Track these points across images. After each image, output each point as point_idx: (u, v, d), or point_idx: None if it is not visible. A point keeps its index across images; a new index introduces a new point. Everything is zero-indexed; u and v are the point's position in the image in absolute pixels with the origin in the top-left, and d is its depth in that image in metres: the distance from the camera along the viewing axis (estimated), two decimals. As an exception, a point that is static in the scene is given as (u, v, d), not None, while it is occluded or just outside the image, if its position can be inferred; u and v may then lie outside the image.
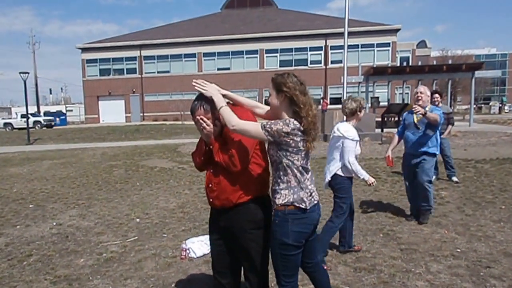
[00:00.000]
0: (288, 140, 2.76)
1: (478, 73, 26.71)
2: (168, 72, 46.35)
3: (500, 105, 51.74)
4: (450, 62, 37.08)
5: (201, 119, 2.92)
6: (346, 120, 4.94)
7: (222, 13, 54.40)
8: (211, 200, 3.10)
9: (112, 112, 46.53)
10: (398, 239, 5.57)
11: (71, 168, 13.32)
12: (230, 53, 45.69)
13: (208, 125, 2.91)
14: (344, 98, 18.30)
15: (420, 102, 6.14)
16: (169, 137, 25.68)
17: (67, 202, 8.48)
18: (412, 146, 6.31)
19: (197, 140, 3.24)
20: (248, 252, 3.04)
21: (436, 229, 5.95)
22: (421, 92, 6.21)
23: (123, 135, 27.37)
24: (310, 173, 2.95)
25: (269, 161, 3.01)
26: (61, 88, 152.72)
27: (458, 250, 5.11)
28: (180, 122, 32.98)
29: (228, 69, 45.61)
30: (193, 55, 46.03)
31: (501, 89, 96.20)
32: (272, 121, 2.77)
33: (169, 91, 45.28)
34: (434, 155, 6.25)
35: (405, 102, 30.16)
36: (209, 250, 3.42)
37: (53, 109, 53.60)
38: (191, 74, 44.91)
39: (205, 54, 45.87)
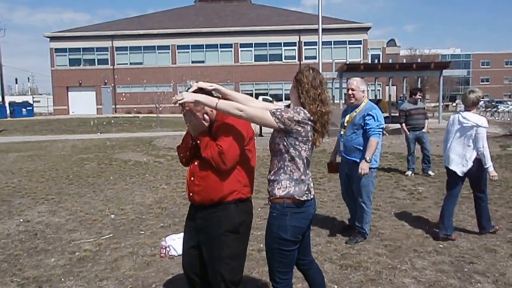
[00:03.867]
0: (299, 129, 2.71)
1: (446, 72, 27.43)
2: (141, 63, 45.65)
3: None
4: (419, 60, 37.73)
5: (190, 110, 2.82)
6: (469, 110, 5.32)
7: (196, 6, 54.17)
8: (191, 194, 2.98)
9: (82, 104, 45.35)
10: (381, 235, 5.54)
11: (39, 161, 12.85)
12: (205, 46, 45.40)
13: (196, 118, 2.83)
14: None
15: (353, 100, 5.19)
16: (144, 130, 25.22)
17: (36, 197, 8.07)
18: (342, 150, 5.37)
19: (173, 133, 3.08)
20: (220, 256, 2.92)
21: (417, 224, 5.93)
22: (352, 89, 5.14)
23: (94, 127, 26.75)
24: (310, 167, 2.90)
25: (272, 149, 2.88)
26: (28, 78, 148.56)
27: (441, 245, 5.12)
28: (154, 115, 32.49)
29: (203, 62, 45.32)
30: (167, 47, 45.49)
31: (465, 88, 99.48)
32: (282, 109, 2.73)
33: (142, 83, 44.58)
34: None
35: (378, 98, 30.49)
36: None
37: (19, 99, 51.76)
38: (165, 66, 44.59)
39: (179, 47, 45.43)
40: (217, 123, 2.91)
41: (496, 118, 28.35)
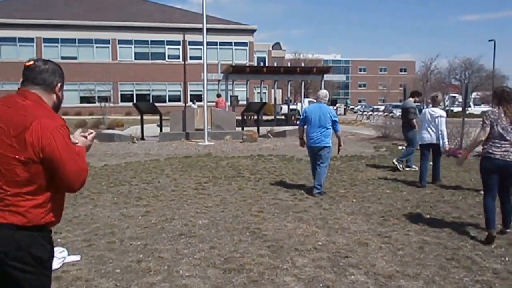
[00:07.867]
0: None
1: (327, 77, 29.04)
2: (-2, 57, 40.47)
3: (345, 107, 56.36)
4: (302, 65, 39.45)
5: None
6: (434, 106, 9.02)
7: (68, -4, 50.00)
8: None
9: None
10: (264, 237, 5.60)
11: None
12: (77, 40, 42.12)
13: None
14: (204, 95, 17.98)
15: None
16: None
17: None
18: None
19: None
20: None
21: (298, 224, 6.11)
22: None
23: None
24: None
25: None
26: None
27: (320, 243, 5.34)
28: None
29: (75, 58, 41.96)
30: (30, 40, 41.27)
31: (345, 92, 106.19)
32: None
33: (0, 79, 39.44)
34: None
35: (263, 101, 31.05)
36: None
37: None
38: (28, 61, 40.31)
39: (46, 40, 41.51)
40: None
41: (371, 122, 30.41)
